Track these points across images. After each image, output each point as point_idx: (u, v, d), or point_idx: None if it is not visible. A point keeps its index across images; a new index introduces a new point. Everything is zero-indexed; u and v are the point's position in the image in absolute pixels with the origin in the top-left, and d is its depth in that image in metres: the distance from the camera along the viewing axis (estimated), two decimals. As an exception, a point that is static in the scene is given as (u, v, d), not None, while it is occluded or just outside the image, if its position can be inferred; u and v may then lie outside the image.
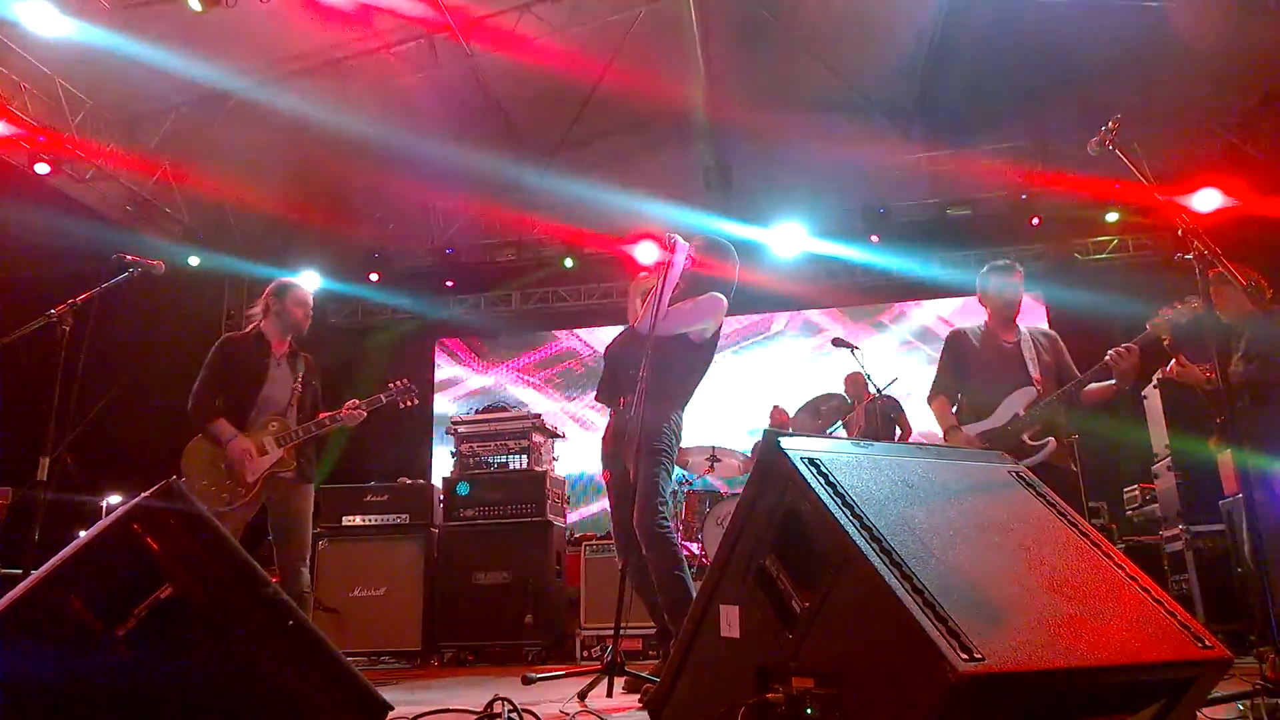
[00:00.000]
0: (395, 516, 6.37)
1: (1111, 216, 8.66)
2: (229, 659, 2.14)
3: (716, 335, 3.84)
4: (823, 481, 1.65)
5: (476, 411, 6.73)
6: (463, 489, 6.23)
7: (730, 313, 3.94)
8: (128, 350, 8.03)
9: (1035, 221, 8.76)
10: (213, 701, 2.09)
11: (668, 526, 3.51)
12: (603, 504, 6.10)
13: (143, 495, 2.16)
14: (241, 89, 7.84)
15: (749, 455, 7.40)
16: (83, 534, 2.23)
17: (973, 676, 1.31)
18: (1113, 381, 3.75)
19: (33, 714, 2.02)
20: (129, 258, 3.68)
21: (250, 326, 4.28)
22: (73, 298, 3.53)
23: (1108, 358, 3.69)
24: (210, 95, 7.94)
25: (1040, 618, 1.49)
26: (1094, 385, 3.81)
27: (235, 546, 2.23)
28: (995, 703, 1.38)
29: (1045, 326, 4.28)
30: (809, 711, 1.53)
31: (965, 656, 1.33)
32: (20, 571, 3.66)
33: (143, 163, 8.62)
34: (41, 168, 7.64)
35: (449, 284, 10.32)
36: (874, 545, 1.50)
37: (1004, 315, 4.13)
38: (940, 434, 4.18)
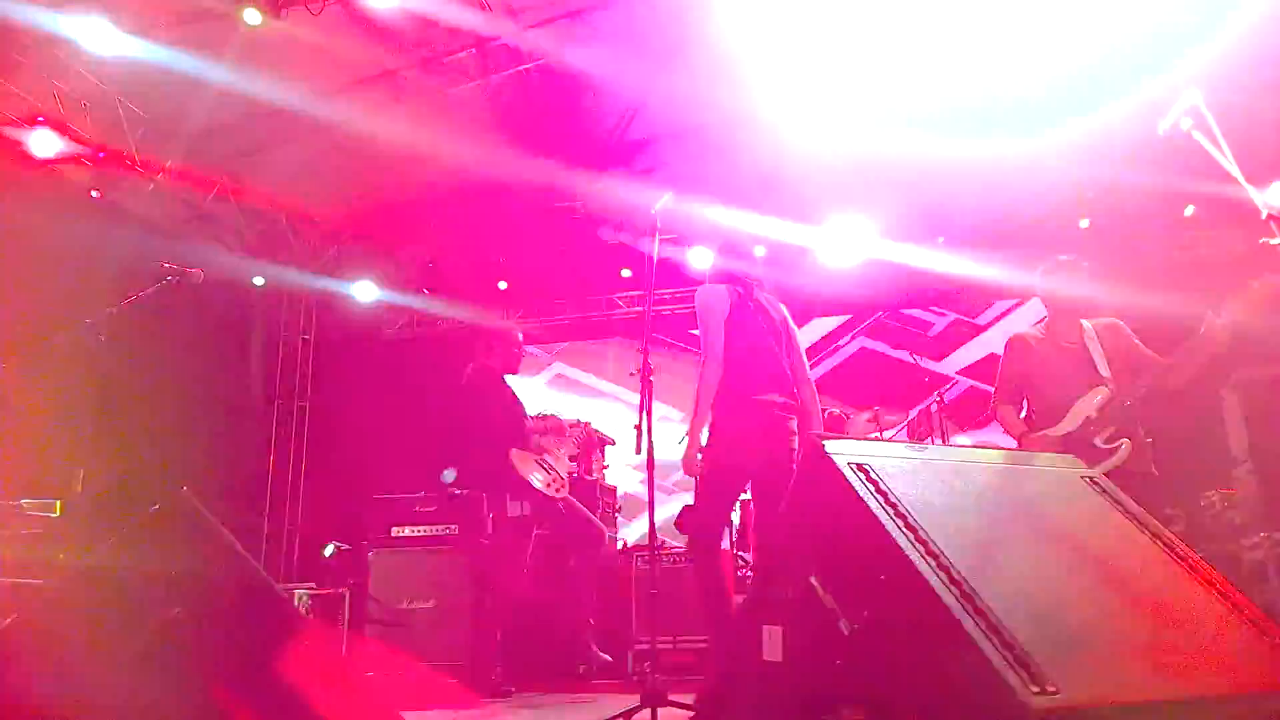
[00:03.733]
0: (445, 528, 6.32)
1: (1188, 211, 8.23)
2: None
3: (727, 322, 3.64)
4: (872, 489, 1.50)
5: (524, 420, 6.65)
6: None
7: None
8: (190, 362, 8.18)
9: (1084, 224, 8.47)
10: None
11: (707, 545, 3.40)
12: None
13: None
14: (295, 103, 7.92)
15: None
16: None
17: (1046, 712, 1.15)
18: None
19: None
20: (168, 265, 3.68)
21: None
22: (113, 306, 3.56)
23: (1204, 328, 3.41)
24: (265, 110, 8.04)
25: (1121, 644, 1.32)
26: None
27: (245, 558, 2.15)
28: (1072, 741, 1.22)
29: (1107, 318, 4.02)
30: (859, 744, 1.38)
31: (1036, 689, 1.17)
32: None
33: (201, 179, 8.79)
34: (94, 193, 7.84)
35: (502, 286, 10.30)
36: (930, 561, 1.35)
37: (1066, 313, 3.91)
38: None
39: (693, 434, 3.46)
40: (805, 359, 3.83)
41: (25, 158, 7.19)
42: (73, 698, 1.79)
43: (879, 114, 7.75)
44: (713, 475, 3.46)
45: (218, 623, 1.92)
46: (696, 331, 3.76)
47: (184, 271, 3.68)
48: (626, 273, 9.74)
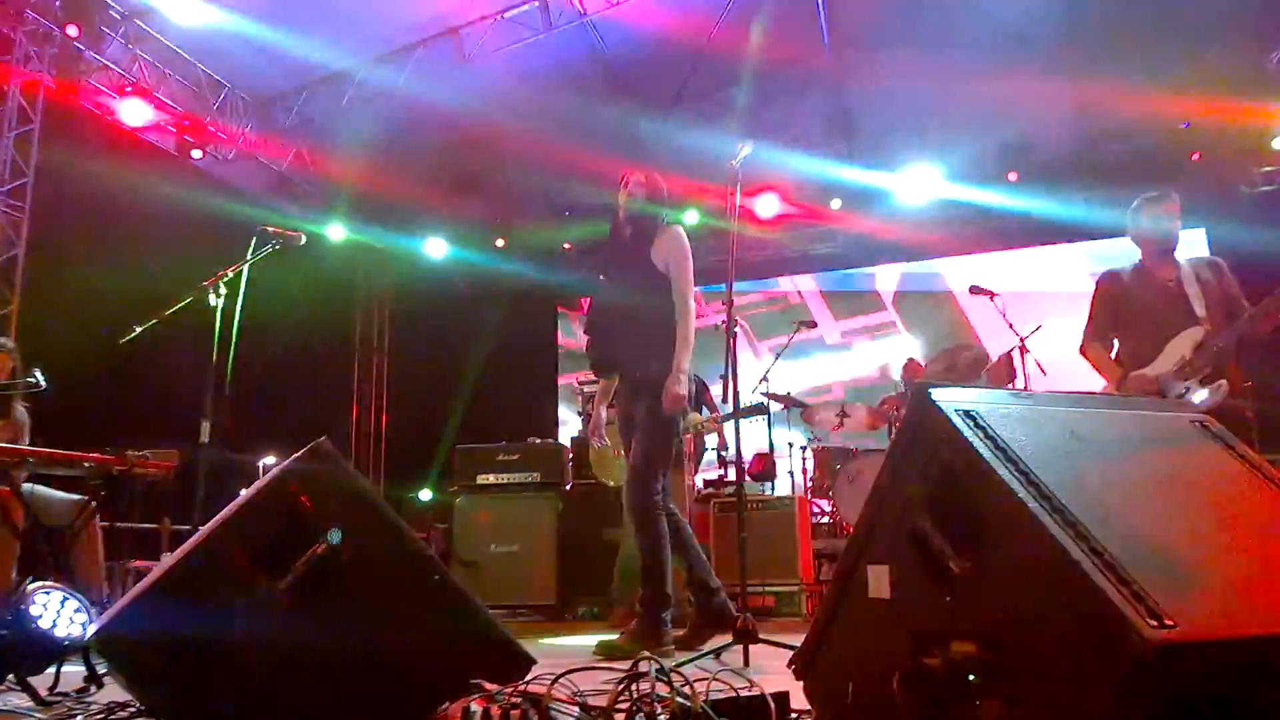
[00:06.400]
0: (527, 475, 6.53)
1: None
2: (380, 611, 2.23)
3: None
4: (981, 435, 1.53)
5: (601, 371, 6.76)
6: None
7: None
8: (270, 318, 8.52)
9: (1195, 157, 8.07)
10: (365, 651, 2.18)
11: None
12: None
13: (295, 455, 2.26)
14: (363, 66, 8.06)
15: (877, 406, 7.24)
16: (244, 492, 2.36)
17: (1164, 645, 1.18)
18: None
19: (205, 661, 2.16)
20: (271, 230, 3.85)
21: None
22: (222, 269, 3.75)
23: None
24: (336, 74, 8.19)
25: (1239, 580, 1.34)
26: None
27: (382, 504, 2.31)
28: (1188, 674, 1.25)
29: (1206, 255, 3.87)
30: (971, 678, 1.44)
31: (1154, 623, 1.20)
32: (189, 527, 3.99)
33: (277, 144, 9.03)
34: (195, 153, 8.14)
35: (566, 246, 10.41)
36: (1044, 503, 1.38)
37: (1160, 251, 3.78)
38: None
39: (685, 366, 3.51)
40: None
41: (118, 126, 7.48)
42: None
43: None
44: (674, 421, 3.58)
45: (360, 562, 2.09)
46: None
47: (286, 235, 3.83)
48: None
